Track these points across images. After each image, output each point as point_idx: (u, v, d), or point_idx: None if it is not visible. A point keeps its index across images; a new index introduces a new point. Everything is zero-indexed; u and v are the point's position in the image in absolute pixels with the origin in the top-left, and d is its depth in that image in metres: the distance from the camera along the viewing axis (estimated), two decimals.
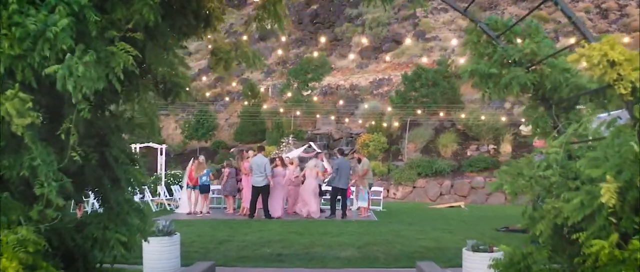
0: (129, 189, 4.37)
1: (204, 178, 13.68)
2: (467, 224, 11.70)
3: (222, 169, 15.45)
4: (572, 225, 3.50)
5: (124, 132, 4.22)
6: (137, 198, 14.36)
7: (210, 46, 4.83)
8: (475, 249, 5.78)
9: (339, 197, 13.50)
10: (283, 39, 32.55)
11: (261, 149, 13.82)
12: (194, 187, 13.93)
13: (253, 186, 12.96)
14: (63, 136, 3.37)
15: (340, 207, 13.47)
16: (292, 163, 14.47)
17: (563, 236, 4.07)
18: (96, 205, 4.31)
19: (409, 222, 12.02)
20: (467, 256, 6.05)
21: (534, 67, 4.16)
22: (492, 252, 5.77)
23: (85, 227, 3.86)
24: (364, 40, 31.33)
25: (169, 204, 15.78)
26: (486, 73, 4.20)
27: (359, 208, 14.02)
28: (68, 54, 3.11)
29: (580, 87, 4.09)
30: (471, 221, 12.64)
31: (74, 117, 3.20)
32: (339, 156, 13.86)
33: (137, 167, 4.16)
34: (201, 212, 13.83)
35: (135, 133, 4.31)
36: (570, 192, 3.57)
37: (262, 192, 12.96)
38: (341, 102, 27.44)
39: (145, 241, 4.19)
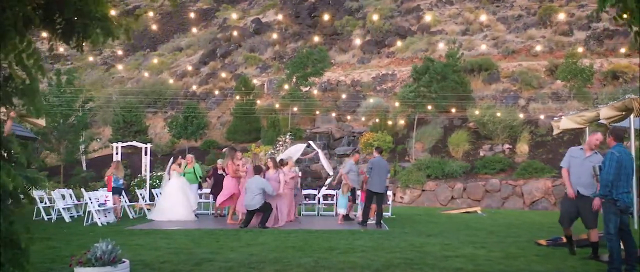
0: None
1: (121, 182, 13.22)
2: (498, 236, 9.87)
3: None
4: None
5: None
6: (109, 203, 12.68)
7: None
8: None
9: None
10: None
11: (258, 170, 11.30)
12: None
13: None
14: None
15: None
16: (286, 164, 12.72)
17: None
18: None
19: (427, 233, 10.17)
20: None
21: None
22: None
23: None
24: (375, 21, 29.16)
25: (148, 209, 13.90)
26: None
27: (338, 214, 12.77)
28: None
29: None
30: (499, 230, 10.81)
31: None
32: (376, 154, 11.88)
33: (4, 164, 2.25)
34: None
35: (10, 103, 2.41)
36: None
37: None
38: (344, 96, 25.48)
39: None
